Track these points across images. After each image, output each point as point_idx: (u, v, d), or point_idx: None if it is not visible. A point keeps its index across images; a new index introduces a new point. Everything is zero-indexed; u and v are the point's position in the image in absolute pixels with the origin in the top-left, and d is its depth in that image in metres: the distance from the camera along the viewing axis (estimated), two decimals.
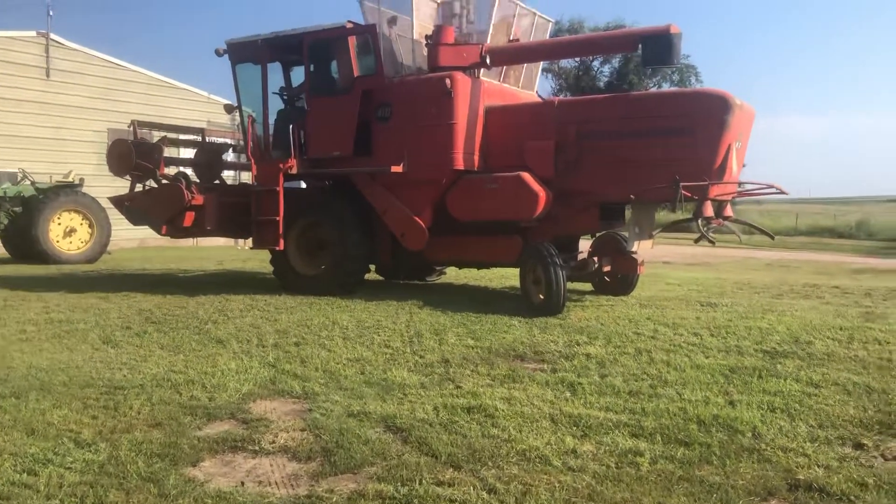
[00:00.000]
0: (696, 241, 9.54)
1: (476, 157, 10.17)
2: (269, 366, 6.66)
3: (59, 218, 16.97)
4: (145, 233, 13.45)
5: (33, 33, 22.20)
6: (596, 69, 54.21)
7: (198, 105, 25.90)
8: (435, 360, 6.84)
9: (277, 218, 10.62)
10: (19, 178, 18.44)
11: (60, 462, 4.44)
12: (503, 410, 5.30)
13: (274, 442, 4.80)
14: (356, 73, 10.54)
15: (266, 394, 5.86)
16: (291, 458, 4.57)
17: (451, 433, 4.87)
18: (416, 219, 10.29)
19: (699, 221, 8.98)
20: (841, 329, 7.99)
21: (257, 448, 4.71)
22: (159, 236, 11.93)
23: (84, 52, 23.44)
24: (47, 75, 22.29)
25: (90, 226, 17.54)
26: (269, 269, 11.94)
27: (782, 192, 9.53)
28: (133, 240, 22.70)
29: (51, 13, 22.59)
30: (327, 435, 4.86)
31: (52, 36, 22.48)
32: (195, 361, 6.81)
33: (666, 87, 49.34)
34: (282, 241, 10.72)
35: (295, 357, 6.96)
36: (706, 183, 8.75)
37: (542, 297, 9.13)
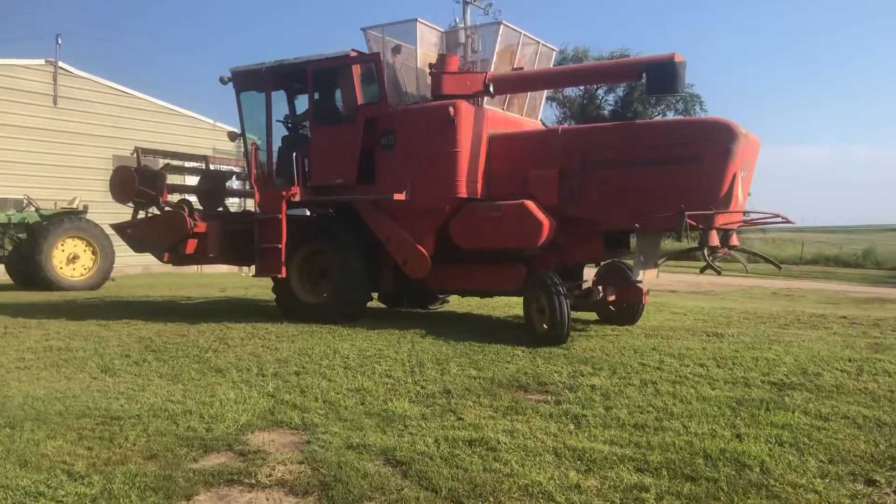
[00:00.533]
0: (702, 270, 9.45)
1: (479, 185, 10.14)
2: (269, 396, 6.56)
3: (62, 244, 16.98)
4: (149, 259, 13.44)
5: (42, 61, 22.40)
6: (600, 98, 54.42)
7: (203, 132, 26.06)
8: (437, 390, 6.73)
9: (280, 245, 10.57)
10: (24, 205, 18.50)
11: (52, 495, 4.34)
12: (505, 444, 5.19)
13: (271, 475, 4.69)
14: (360, 101, 10.55)
15: (264, 425, 5.76)
16: (288, 493, 4.46)
17: (452, 467, 4.76)
18: (419, 247, 10.24)
19: (705, 251, 8.91)
20: (850, 360, 7.87)
21: (254, 482, 4.60)
22: (161, 263, 11.88)
23: (91, 79, 23.64)
24: (55, 103, 22.45)
25: (94, 252, 17.54)
26: (271, 296, 11.87)
27: (788, 222, 9.45)
28: (137, 266, 22.70)
29: (59, 42, 22.81)
30: (325, 468, 4.76)
31: (61, 64, 22.68)
32: (194, 391, 6.72)
33: (670, 116, 49.46)
34: (284, 269, 10.67)
35: (295, 387, 6.86)
36: (712, 212, 8.69)
37: (545, 326, 9.04)
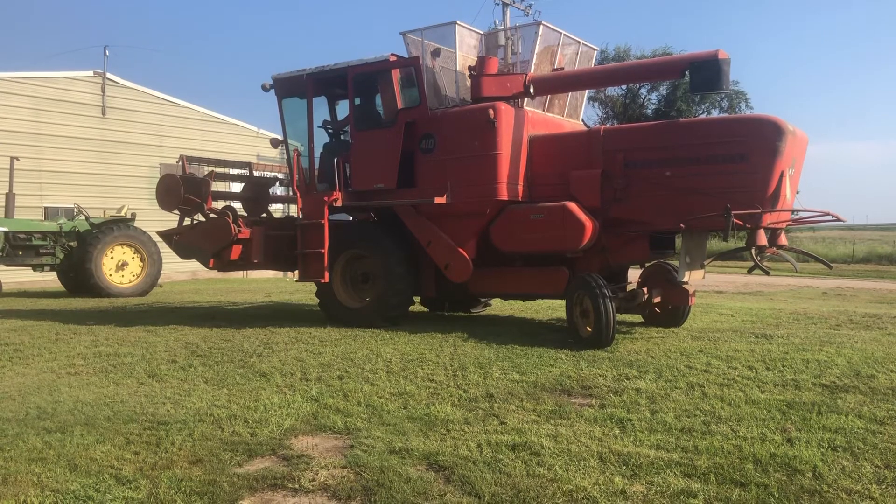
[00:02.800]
0: (750, 270, 9.26)
1: (520, 188, 10.07)
2: (312, 400, 6.59)
3: (111, 252, 17.33)
4: (196, 265, 13.66)
5: (90, 73, 22.94)
6: (643, 97, 53.79)
7: (247, 139, 26.43)
8: (479, 394, 6.69)
9: (322, 250, 10.64)
10: (75, 213, 18.95)
11: (100, 499, 4.41)
12: (549, 448, 5.13)
13: (314, 480, 4.70)
14: (400, 105, 10.56)
15: (308, 429, 5.78)
16: (331, 497, 4.47)
17: (496, 472, 4.72)
18: (461, 250, 10.21)
19: (752, 251, 8.72)
20: None
21: (297, 486, 4.62)
22: (207, 269, 12.05)
23: (138, 89, 24.14)
24: (103, 113, 22.97)
25: (142, 259, 17.87)
26: (315, 300, 11.95)
27: (838, 220, 9.20)
28: (184, 272, 23.10)
29: (107, 53, 23.34)
30: (368, 473, 4.75)
31: (108, 75, 23.21)
32: (238, 396, 6.78)
33: (715, 114, 48.68)
34: (327, 274, 10.73)
35: (338, 391, 6.88)
36: (759, 211, 8.50)
37: (590, 329, 8.93)
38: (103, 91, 23.00)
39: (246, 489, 4.57)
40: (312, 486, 4.63)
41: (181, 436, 5.56)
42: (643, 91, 53.27)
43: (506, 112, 9.87)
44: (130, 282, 17.72)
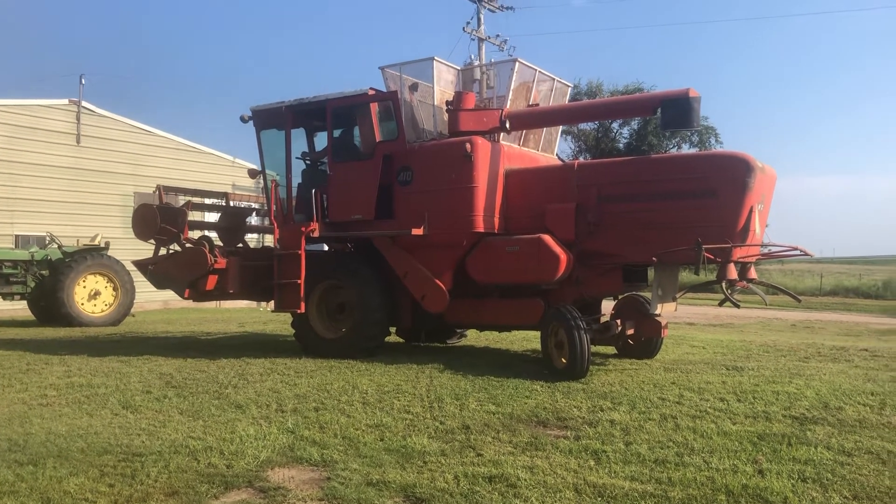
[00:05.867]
0: (721, 303, 9.44)
1: (496, 220, 10.21)
2: (288, 432, 6.58)
3: (84, 281, 17.16)
4: (168, 295, 13.59)
5: (65, 101, 22.83)
6: (615, 131, 54.57)
7: (222, 169, 26.35)
8: (455, 426, 6.73)
9: (299, 281, 10.65)
10: (47, 242, 18.75)
11: None
12: (525, 480, 5.17)
13: None
14: (378, 138, 10.69)
15: (284, 461, 5.78)
16: None
17: None
18: (437, 281, 10.29)
19: (723, 284, 8.89)
20: (872, 394, 7.80)
21: None
22: (182, 299, 11.99)
23: (113, 118, 24.04)
24: (78, 141, 22.83)
25: (115, 289, 17.70)
26: (290, 331, 11.92)
27: (806, 254, 9.42)
28: (157, 301, 22.86)
29: (83, 82, 23.25)
30: None
31: (84, 103, 23.10)
32: (214, 427, 6.75)
33: (686, 150, 49.47)
34: (303, 304, 10.73)
35: (314, 423, 6.88)
36: (729, 245, 8.69)
37: (564, 360, 9.02)
38: (78, 119, 22.88)
39: None
40: None
41: (156, 468, 5.52)
42: (615, 125, 54.04)
43: (482, 146, 10.03)
44: (103, 311, 17.53)
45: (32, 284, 17.48)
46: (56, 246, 18.11)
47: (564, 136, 54.18)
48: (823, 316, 23.84)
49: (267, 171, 11.85)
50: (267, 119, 11.61)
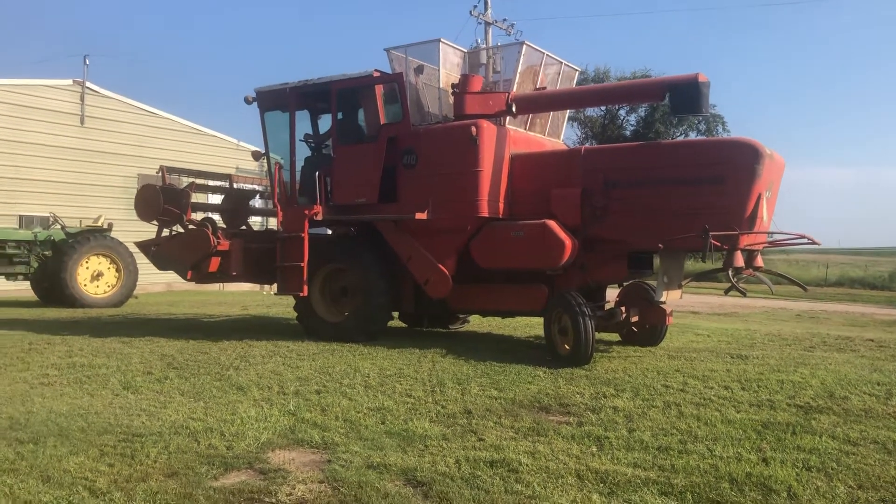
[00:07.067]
0: (727, 291, 9.36)
1: (501, 205, 10.12)
2: (290, 414, 6.55)
3: (87, 262, 17.13)
4: (172, 277, 13.55)
5: (69, 82, 22.75)
6: (622, 118, 54.32)
7: (227, 152, 26.30)
8: (457, 410, 6.69)
9: (302, 264, 10.60)
10: (50, 223, 18.73)
11: None
12: (527, 465, 5.13)
13: (291, 494, 4.67)
14: (382, 120, 10.60)
15: (285, 443, 5.74)
16: None
17: (473, 488, 4.71)
18: (440, 266, 10.23)
19: (729, 272, 8.81)
20: (878, 384, 7.74)
21: (273, 500, 4.58)
22: (185, 280, 11.96)
23: (118, 99, 23.97)
24: (82, 122, 22.77)
25: (117, 270, 17.69)
26: (293, 314, 11.89)
27: (814, 243, 9.33)
28: (160, 283, 22.88)
29: (87, 62, 23.17)
30: (345, 488, 4.72)
31: (88, 84, 23.02)
32: (215, 408, 6.72)
33: (693, 136, 49.21)
34: (306, 287, 10.68)
35: (315, 405, 6.85)
36: (736, 232, 8.61)
37: (568, 347, 8.97)
38: (82, 100, 22.81)
39: (222, 502, 4.53)
40: (289, 500, 4.59)
41: (156, 448, 5.50)
42: (622, 112, 53.80)
43: (488, 130, 9.94)
44: (105, 292, 17.53)
45: (35, 265, 17.47)
46: (59, 227, 18.09)
47: (571, 122, 53.96)
48: (829, 306, 23.72)
49: (271, 154, 11.77)
50: (271, 101, 11.53)
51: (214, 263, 11.10)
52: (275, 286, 11.47)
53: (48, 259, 17.34)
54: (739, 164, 8.72)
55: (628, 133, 52.29)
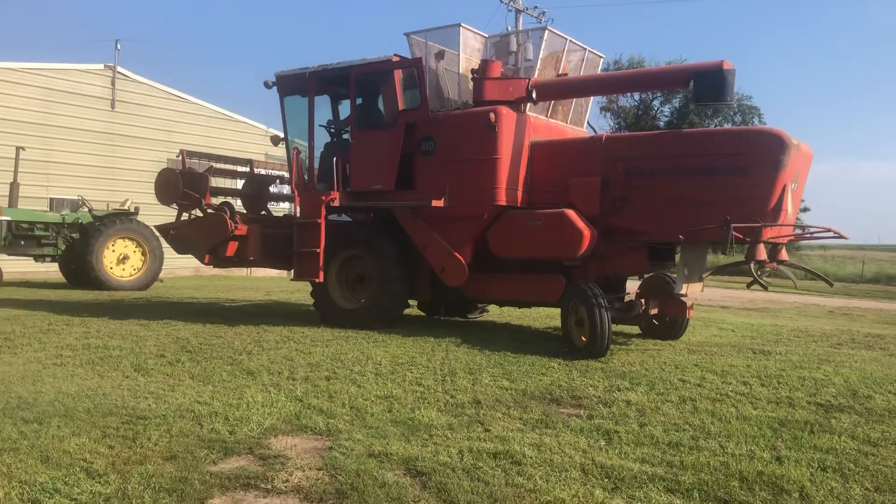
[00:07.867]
0: (749, 285, 9.11)
1: (519, 193, 9.96)
2: (297, 400, 6.49)
3: (113, 245, 17.30)
4: (198, 262, 13.66)
5: (101, 66, 22.97)
6: (656, 108, 53.67)
7: (256, 138, 26.37)
8: (466, 400, 6.58)
9: (318, 250, 10.54)
10: (79, 206, 18.95)
11: (67, 493, 4.31)
12: (531, 458, 5.01)
13: (288, 481, 4.60)
14: (401, 106, 10.47)
15: (288, 429, 5.68)
16: (303, 499, 4.36)
17: (473, 480, 4.60)
18: (457, 254, 10.10)
19: (752, 265, 8.57)
20: None
21: (269, 486, 4.51)
22: (202, 264, 11.99)
23: (148, 84, 24.17)
24: (112, 106, 23.00)
25: (143, 253, 17.84)
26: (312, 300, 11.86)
27: (841, 237, 9.06)
28: (187, 268, 23.06)
29: (118, 47, 23.37)
30: (343, 475, 4.64)
31: (119, 69, 23.22)
32: (222, 393, 6.69)
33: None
34: (322, 274, 10.63)
35: (323, 392, 6.78)
36: (759, 224, 8.36)
37: (584, 339, 8.81)
38: (113, 84, 23.03)
39: (217, 488, 4.47)
40: (285, 486, 4.52)
41: (158, 431, 5.46)
42: (656, 103, 53.18)
43: (507, 116, 9.77)
44: (131, 275, 17.69)
45: (63, 247, 17.69)
46: (87, 210, 18.29)
47: (604, 112, 53.45)
48: (863, 303, 23.19)
49: (290, 139, 11.72)
50: (291, 85, 11.46)
51: (232, 248, 11.10)
52: (292, 272, 11.44)
53: (75, 241, 17.54)
54: (764, 154, 8.46)
55: (662, 124, 51.67)
